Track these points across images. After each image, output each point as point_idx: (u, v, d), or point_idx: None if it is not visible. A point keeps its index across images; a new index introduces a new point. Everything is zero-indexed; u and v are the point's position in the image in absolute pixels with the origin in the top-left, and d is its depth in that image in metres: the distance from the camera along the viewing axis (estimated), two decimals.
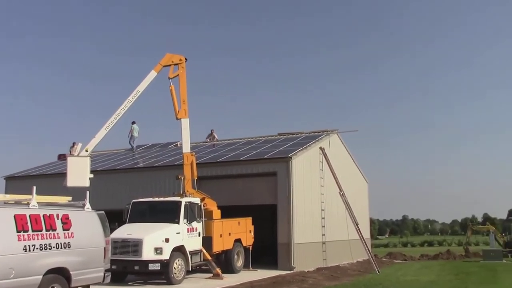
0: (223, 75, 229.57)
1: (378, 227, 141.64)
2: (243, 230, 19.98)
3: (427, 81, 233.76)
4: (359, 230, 22.98)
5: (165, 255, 15.67)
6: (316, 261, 21.72)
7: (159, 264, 15.56)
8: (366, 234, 27.61)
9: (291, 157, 20.87)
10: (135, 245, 15.61)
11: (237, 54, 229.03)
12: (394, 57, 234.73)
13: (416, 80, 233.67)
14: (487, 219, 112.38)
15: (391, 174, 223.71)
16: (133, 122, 28.95)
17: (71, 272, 11.02)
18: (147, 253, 15.55)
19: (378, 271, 21.31)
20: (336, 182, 23.28)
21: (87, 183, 15.49)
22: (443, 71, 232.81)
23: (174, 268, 15.89)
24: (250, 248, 20.33)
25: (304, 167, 21.93)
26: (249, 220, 20.54)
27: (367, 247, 23.60)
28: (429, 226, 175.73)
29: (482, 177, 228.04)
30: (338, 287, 16.31)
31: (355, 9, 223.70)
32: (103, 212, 12.77)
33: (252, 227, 20.62)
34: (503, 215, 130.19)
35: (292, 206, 20.49)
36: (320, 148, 23.71)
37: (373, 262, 22.21)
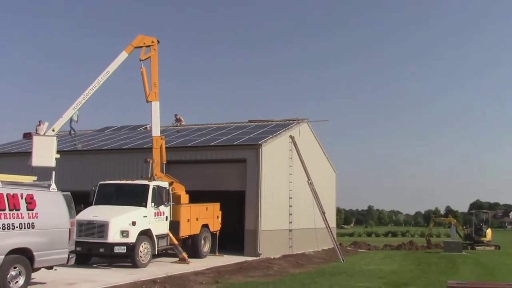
0: (195, 60, 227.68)
1: (344, 217, 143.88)
2: (210, 215, 19.98)
3: (395, 71, 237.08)
4: (326, 219, 23.24)
5: (131, 238, 15.56)
6: (282, 248, 21.91)
7: (125, 247, 15.45)
8: (332, 223, 27.97)
9: (261, 144, 20.90)
10: (101, 227, 15.45)
11: (210, 39, 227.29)
12: (365, 47, 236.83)
13: (383, 71, 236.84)
14: (449, 211, 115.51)
15: (358, 165, 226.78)
16: None
17: (34, 253, 10.86)
18: (113, 236, 15.41)
19: (343, 260, 21.65)
20: (305, 171, 23.45)
21: (53, 163, 15.19)
22: (412, 60, 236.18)
23: (140, 252, 15.81)
24: (217, 234, 20.36)
25: (273, 155, 22.00)
26: (217, 205, 20.55)
27: (333, 236, 23.91)
28: (394, 217, 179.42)
29: (446, 170, 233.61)
30: (303, 274, 16.50)
31: None
32: (69, 193, 12.58)
33: (220, 213, 20.64)
34: (465, 209, 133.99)
35: (260, 193, 20.57)
36: (290, 136, 23.81)
37: (338, 251, 22.53)
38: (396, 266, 20.02)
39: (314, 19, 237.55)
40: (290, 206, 23.22)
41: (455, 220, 36.94)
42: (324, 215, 23.18)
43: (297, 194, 23.63)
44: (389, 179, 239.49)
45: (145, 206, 16.54)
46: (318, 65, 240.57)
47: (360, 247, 33.12)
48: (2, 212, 10.28)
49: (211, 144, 22.26)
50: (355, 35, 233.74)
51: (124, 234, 15.55)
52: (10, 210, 10.46)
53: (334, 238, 23.84)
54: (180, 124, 29.41)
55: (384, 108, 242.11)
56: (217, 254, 19.96)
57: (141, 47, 18.65)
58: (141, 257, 15.82)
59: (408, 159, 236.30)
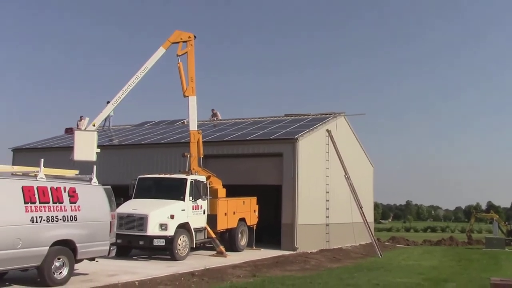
0: (232, 55, 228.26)
1: (382, 211, 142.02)
2: (247, 209, 20.07)
3: (434, 64, 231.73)
4: (363, 213, 23.01)
5: (170, 231, 15.80)
6: (319, 242, 21.83)
7: (164, 240, 15.70)
8: (370, 218, 27.67)
9: (297, 139, 20.83)
10: (141, 221, 15.74)
11: (245, 34, 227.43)
12: (402, 38, 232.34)
13: (421, 65, 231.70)
14: (491, 207, 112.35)
15: (396, 159, 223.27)
16: (108, 102, 28.42)
17: (77, 245, 11.15)
18: (152, 229, 15.68)
19: (381, 255, 21.41)
20: (342, 165, 23.26)
21: (94, 158, 15.52)
22: (451, 53, 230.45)
23: (179, 245, 16.02)
24: (254, 228, 20.44)
25: (310, 149, 21.90)
26: (253, 199, 20.62)
27: (370, 230, 23.67)
28: (433, 212, 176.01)
29: (488, 165, 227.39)
30: (340, 269, 16.40)
31: None
32: (109, 186, 12.84)
33: (256, 207, 20.71)
34: (507, 204, 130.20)
35: (297, 187, 20.52)
36: (327, 130, 23.64)
37: (375, 246, 22.29)
38: (435, 262, 19.68)
39: (347, 10, 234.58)
40: (327, 200, 23.07)
41: (497, 216, 35.98)
42: (362, 210, 22.95)
43: (334, 188, 23.47)
44: (428, 173, 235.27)
45: (183, 199, 16.75)
46: (355, 57, 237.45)
47: (398, 242, 32.71)
48: (46, 204, 10.60)
49: (247, 138, 22.33)
50: (391, 26, 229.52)
51: (162, 227, 15.80)
52: (53, 203, 10.78)
53: (371, 233, 23.59)
54: (216, 118, 29.60)
55: (423, 99, 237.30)
56: (254, 248, 20.04)
57: (178, 42, 18.81)
58: (179, 250, 16.04)
59: (448, 152, 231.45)
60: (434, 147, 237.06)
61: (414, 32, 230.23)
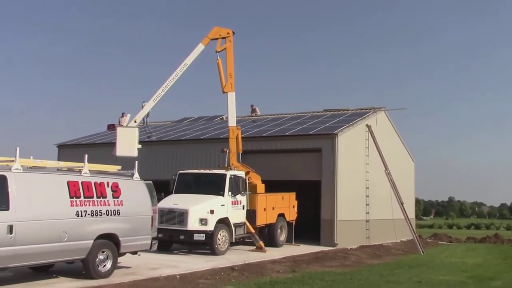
0: (269, 50, 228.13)
1: (423, 208, 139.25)
2: (286, 205, 20.05)
3: (478, 51, 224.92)
4: (404, 209, 22.64)
5: (210, 226, 15.96)
6: (359, 239, 21.62)
7: (204, 234, 15.87)
8: (411, 214, 27.21)
9: (336, 134, 20.66)
10: (181, 215, 15.96)
11: (282, 28, 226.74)
12: (441, 27, 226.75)
13: (466, 51, 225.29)
14: None
15: (438, 154, 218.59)
16: (144, 103, 28.42)
17: (120, 238, 11.40)
18: (193, 224, 15.87)
19: (423, 252, 21.02)
20: (382, 161, 22.94)
21: (135, 153, 15.83)
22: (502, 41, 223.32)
23: (219, 239, 16.17)
24: (293, 223, 20.41)
25: (349, 144, 21.69)
26: (292, 195, 20.58)
27: (412, 227, 23.27)
28: (476, 208, 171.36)
29: None
30: (381, 265, 16.19)
31: None
32: (150, 181, 13.06)
33: (295, 202, 20.66)
34: None
35: (336, 183, 20.36)
36: (367, 125, 23.36)
37: (417, 243, 21.90)
38: (480, 260, 19.16)
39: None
40: (367, 196, 22.81)
41: None
42: (403, 206, 22.58)
43: (374, 184, 23.18)
44: (470, 169, 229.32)
45: (223, 195, 16.88)
46: (396, 48, 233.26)
47: (440, 239, 32.00)
48: (91, 199, 10.88)
49: (286, 134, 22.30)
50: (432, 14, 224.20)
51: (203, 222, 15.97)
52: (97, 197, 11.05)
53: (413, 230, 23.20)
54: (255, 114, 29.66)
55: (464, 92, 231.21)
56: (293, 243, 20.02)
57: (217, 38, 18.91)
58: (219, 244, 16.19)
59: (491, 147, 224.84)
60: (479, 142, 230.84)
61: (458, 21, 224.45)
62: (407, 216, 22.70)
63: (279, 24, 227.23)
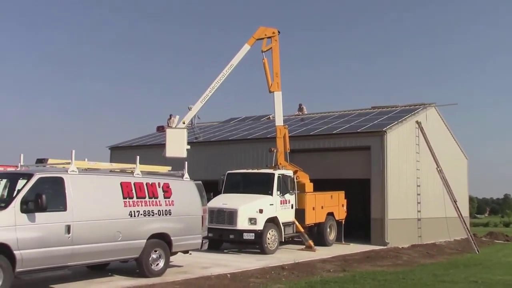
0: (315, 48, 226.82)
1: (477, 206, 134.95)
2: (335, 203, 19.90)
3: None
4: (458, 207, 22.03)
5: (259, 226, 16.02)
6: (410, 237, 21.17)
7: (253, 234, 15.95)
8: (465, 212, 26.40)
9: (385, 131, 20.32)
10: (230, 215, 16.10)
11: (327, 25, 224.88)
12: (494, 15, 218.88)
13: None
14: None
15: (492, 150, 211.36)
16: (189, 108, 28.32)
17: (172, 238, 11.62)
18: (242, 223, 15.98)
19: (478, 251, 20.40)
20: (433, 158, 22.39)
21: (184, 154, 16.07)
22: None
23: (268, 239, 16.21)
24: (343, 222, 20.22)
25: (399, 142, 21.29)
26: (341, 194, 20.40)
27: (466, 225, 22.60)
28: None
29: None
30: (434, 265, 15.83)
31: None
32: (200, 182, 13.24)
33: (344, 201, 20.47)
34: None
35: (386, 181, 20.03)
36: (417, 122, 22.85)
37: (472, 241, 21.28)
38: None
39: None
40: (418, 194, 22.32)
41: None
42: (456, 204, 21.99)
43: (425, 182, 22.66)
44: None
45: (271, 194, 16.92)
46: (446, 43, 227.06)
47: (496, 238, 30.90)
48: (143, 199, 11.14)
49: (333, 132, 22.10)
50: (486, 7, 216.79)
51: (252, 221, 16.05)
52: (149, 198, 11.30)
53: (467, 228, 22.53)
54: (302, 113, 29.56)
55: None
56: (343, 242, 19.83)
57: (262, 38, 18.95)
58: (269, 243, 16.23)
59: None
60: None
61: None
62: (460, 214, 22.08)
63: (324, 19, 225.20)
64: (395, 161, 20.67)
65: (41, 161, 10.98)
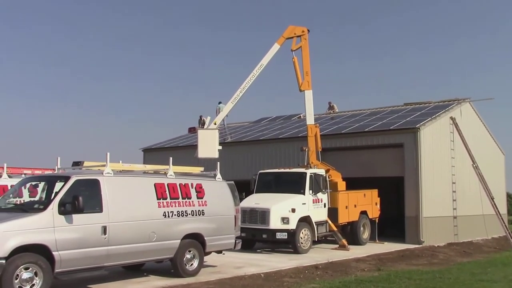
0: (344, 45, 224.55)
1: None
2: (368, 202, 19.70)
3: None
4: (495, 204, 21.51)
5: (292, 225, 15.99)
6: (446, 236, 20.77)
7: (286, 233, 15.93)
8: (502, 209, 25.76)
9: (419, 128, 19.99)
10: (263, 214, 16.11)
11: (357, 21, 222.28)
12: None
13: None
14: None
15: None
16: (220, 102, 28.33)
17: (205, 238, 11.72)
18: (274, 222, 15.98)
19: None
20: (469, 154, 21.91)
21: (216, 155, 16.14)
22: None
23: (301, 238, 16.17)
24: (376, 221, 20.00)
25: (433, 138, 20.92)
26: (375, 192, 20.19)
27: (504, 223, 22.04)
28: None
29: None
30: (471, 263, 15.50)
31: None
32: (232, 182, 13.30)
33: (378, 199, 20.26)
34: None
35: (421, 178, 19.69)
36: (451, 118, 22.41)
37: (510, 239, 20.74)
38: None
39: None
40: (454, 191, 21.88)
41: None
42: (493, 201, 21.46)
43: (461, 179, 22.20)
44: None
45: (303, 193, 16.86)
46: (480, 34, 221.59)
47: None
48: (176, 200, 11.27)
49: (365, 130, 21.86)
50: None
51: (284, 221, 16.03)
52: (183, 198, 11.42)
53: (505, 225, 21.96)
54: (333, 111, 29.34)
55: None
56: (377, 241, 19.62)
57: (292, 37, 18.90)
58: (301, 243, 16.18)
59: None
60: None
61: None
62: (498, 211, 21.55)
63: (352, 13, 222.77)
64: (429, 158, 20.32)
65: (77, 164, 11.23)
